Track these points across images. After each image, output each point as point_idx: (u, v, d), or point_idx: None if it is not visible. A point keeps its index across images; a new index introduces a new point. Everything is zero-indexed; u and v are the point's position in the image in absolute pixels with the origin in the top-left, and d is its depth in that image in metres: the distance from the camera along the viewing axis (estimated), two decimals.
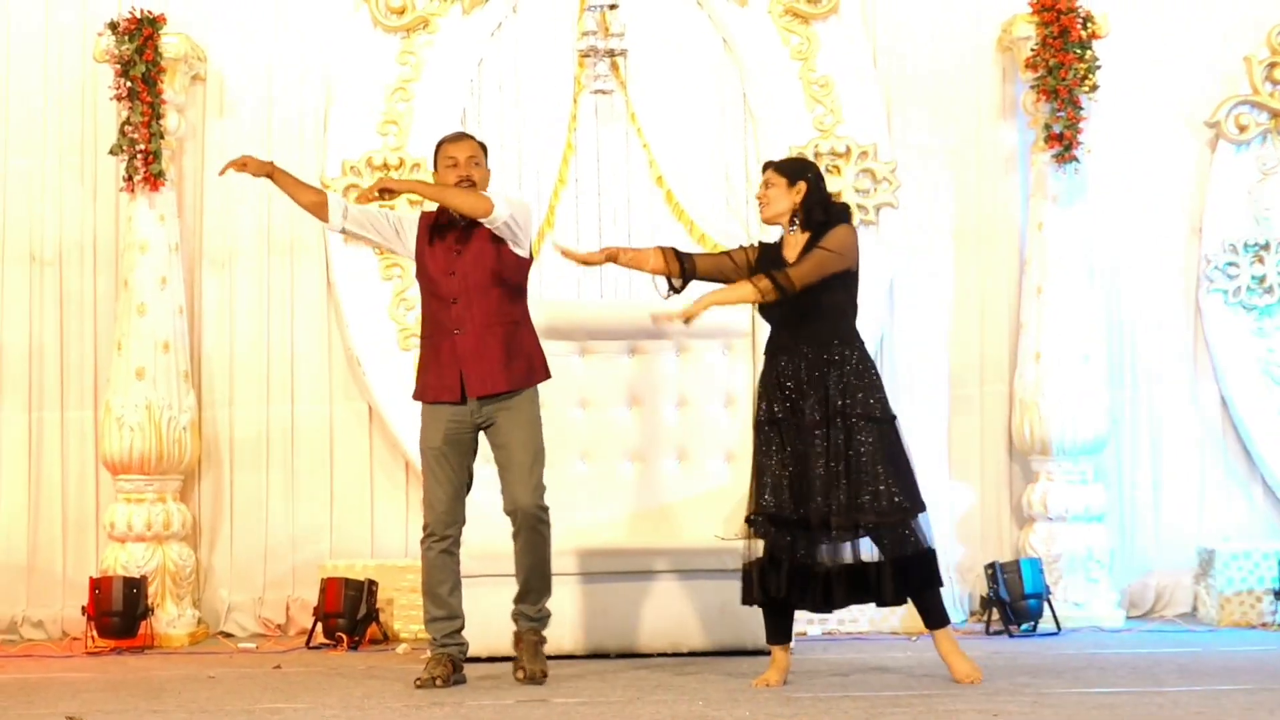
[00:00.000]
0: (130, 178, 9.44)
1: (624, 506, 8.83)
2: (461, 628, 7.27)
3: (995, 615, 9.01)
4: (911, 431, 9.60)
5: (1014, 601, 8.94)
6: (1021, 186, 9.84)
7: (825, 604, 6.94)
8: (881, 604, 7.05)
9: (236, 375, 9.87)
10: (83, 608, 9.06)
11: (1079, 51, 9.42)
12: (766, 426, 6.97)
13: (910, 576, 6.85)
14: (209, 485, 9.87)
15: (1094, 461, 9.55)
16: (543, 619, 7.25)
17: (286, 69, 9.97)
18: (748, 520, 7.01)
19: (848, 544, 6.85)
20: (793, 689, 6.78)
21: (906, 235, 9.85)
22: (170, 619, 9.33)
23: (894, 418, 7.00)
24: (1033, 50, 9.50)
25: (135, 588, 9.04)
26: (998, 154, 9.95)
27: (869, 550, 6.85)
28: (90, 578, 9.17)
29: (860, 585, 6.88)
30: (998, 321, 9.89)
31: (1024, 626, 8.94)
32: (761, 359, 7.24)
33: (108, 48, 9.46)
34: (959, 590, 9.57)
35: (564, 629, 7.75)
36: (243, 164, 7.39)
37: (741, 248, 7.36)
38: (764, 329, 8.88)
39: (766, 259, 7.09)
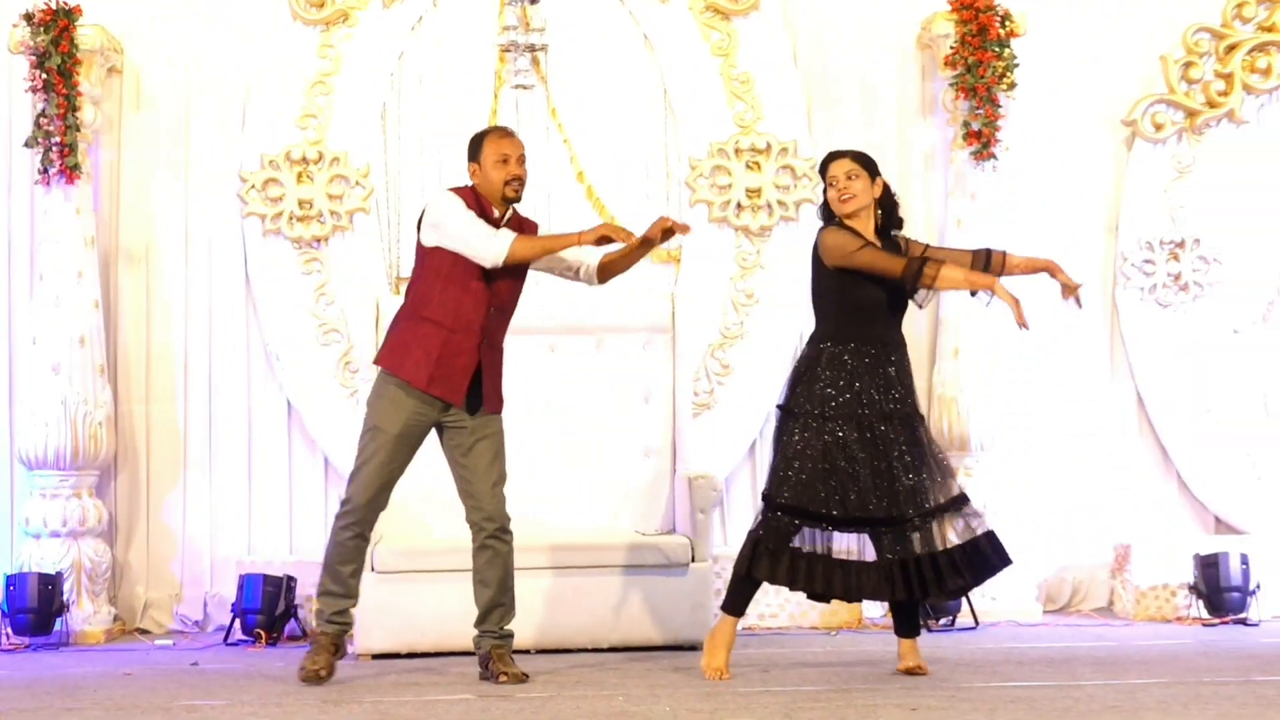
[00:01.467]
0: (45, 170, 9.34)
1: (544, 502, 8.80)
2: (353, 607, 7.22)
3: None
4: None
5: None
6: (941, 183, 9.89)
7: (920, 590, 6.93)
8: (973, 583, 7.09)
9: (153, 370, 9.79)
10: None
11: (997, 50, 9.48)
12: (823, 419, 6.89)
13: (996, 550, 6.96)
14: (125, 481, 9.79)
15: (1011, 457, 9.61)
16: (507, 636, 7.19)
17: (204, 62, 9.89)
18: (806, 512, 6.88)
19: (917, 534, 6.88)
20: (713, 685, 6.79)
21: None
22: (86, 616, 9.25)
23: (786, 408, 7.02)
24: (952, 48, 9.55)
25: (50, 584, 8.96)
26: (918, 151, 10.00)
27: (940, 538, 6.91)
28: (5, 574, 9.07)
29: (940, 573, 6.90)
30: (917, 318, 9.86)
31: (942, 621, 8.99)
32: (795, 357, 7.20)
33: (22, 39, 9.36)
34: None
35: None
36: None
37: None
38: (685, 325, 8.95)
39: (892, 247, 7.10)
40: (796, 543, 6.84)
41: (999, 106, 9.52)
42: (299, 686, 6.92)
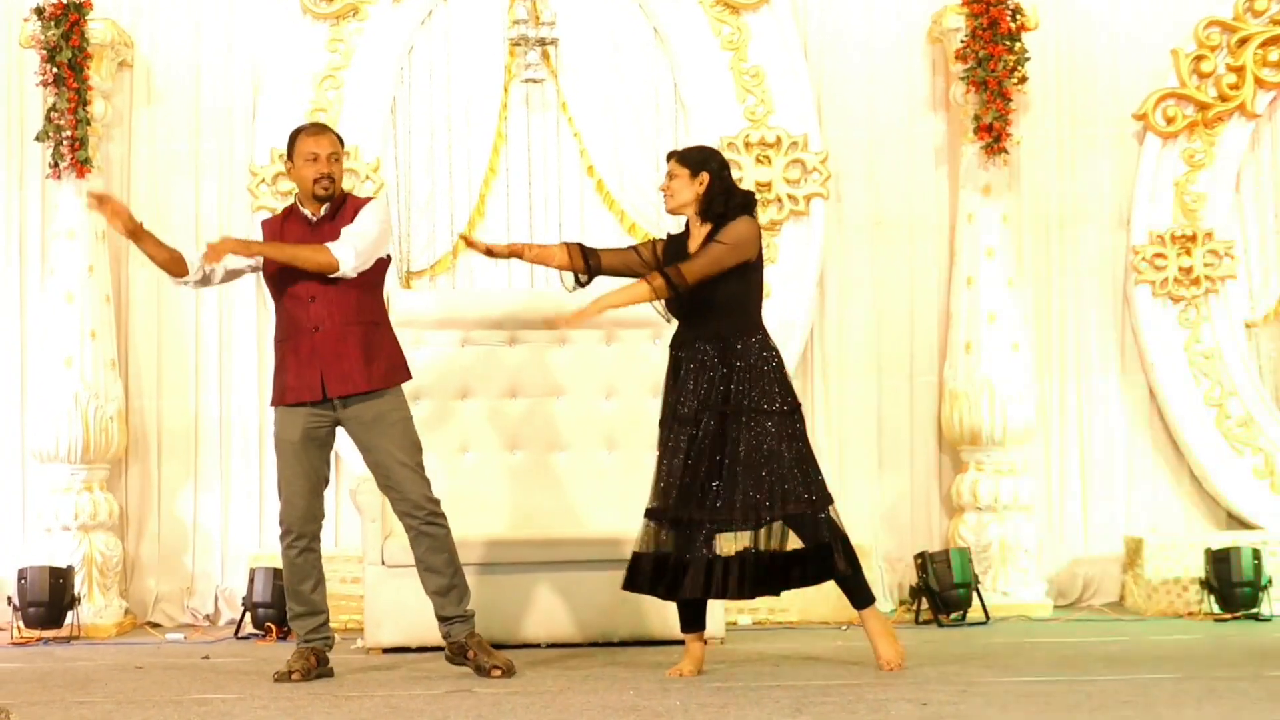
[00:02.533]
0: (56, 164, 9.36)
1: (555, 496, 8.79)
2: (326, 622, 7.19)
3: (924, 605, 9.05)
4: (841, 422, 9.71)
5: (943, 591, 8.98)
6: (951, 177, 9.88)
7: (739, 590, 6.91)
8: (798, 585, 7.01)
9: (165, 364, 9.81)
10: (8, 598, 8.98)
11: (1008, 44, 9.47)
12: (670, 422, 6.94)
13: (824, 563, 6.84)
14: (136, 475, 9.80)
15: (1022, 452, 9.61)
16: (471, 616, 7.17)
17: (215, 56, 9.91)
18: (647, 513, 6.94)
19: (750, 533, 6.82)
20: (723, 679, 6.78)
21: (837, 226, 9.88)
22: (97, 609, 9.26)
23: (795, 408, 6.94)
24: (962, 42, 9.53)
25: (62, 578, 8.97)
26: (928, 145, 9.99)
27: (777, 539, 6.85)
28: (16, 568, 9.08)
29: (774, 573, 6.89)
30: (927, 312, 9.93)
31: (953, 616, 8.98)
32: None
33: (34, 33, 9.37)
34: (888, 580, 9.62)
35: (494, 620, 7.71)
36: (108, 208, 7.08)
37: (649, 242, 7.32)
38: None
39: (672, 252, 7.04)
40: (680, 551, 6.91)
41: (1010, 100, 9.50)
42: (310, 681, 6.91)
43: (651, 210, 9.78)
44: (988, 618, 9.01)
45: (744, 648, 7.96)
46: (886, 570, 9.64)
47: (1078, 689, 6.31)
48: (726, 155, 9.52)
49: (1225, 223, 9.96)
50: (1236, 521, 9.87)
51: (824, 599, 9.04)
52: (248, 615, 8.95)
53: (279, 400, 7.12)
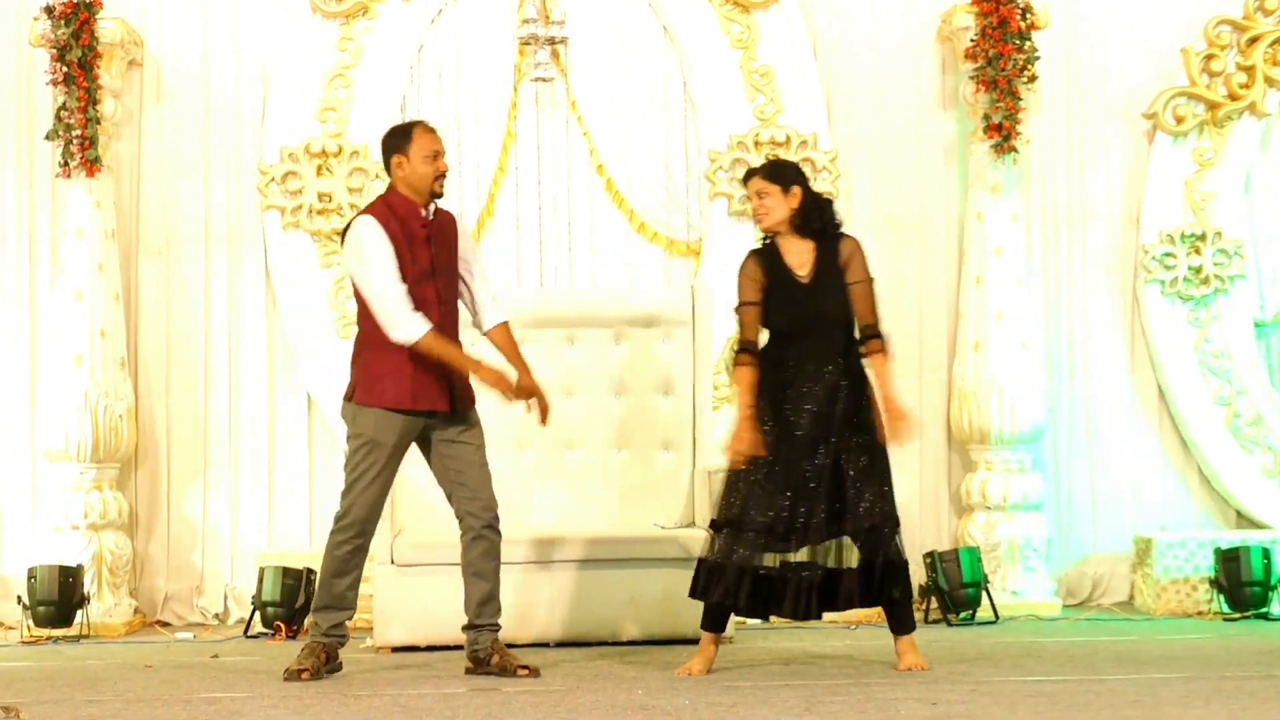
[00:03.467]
0: (66, 163, 9.37)
1: (562, 495, 8.80)
2: (349, 619, 7.19)
3: (934, 604, 9.04)
4: None
5: (952, 590, 8.98)
6: (960, 176, 9.88)
7: (805, 612, 6.94)
8: (862, 605, 7.07)
9: (174, 363, 9.81)
10: (18, 597, 8.98)
11: (1018, 42, 9.46)
12: (793, 437, 6.88)
13: (891, 581, 6.87)
14: (146, 474, 9.81)
15: (1032, 450, 9.61)
16: (499, 628, 7.18)
17: (224, 55, 9.91)
18: (723, 524, 6.93)
19: (832, 550, 6.90)
20: (733, 678, 6.79)
21: (846, 224, 9.79)
22: (107, 608, 9.27)
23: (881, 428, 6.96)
24: (972, 41, 9.53)
25: (71, 577, 8.98)
26: (937, 144, 9.98)
27: (851, 556, 6.90)
28: (26, 567, 9.09)
29: (837, 590, 6.92)
30: (936, 311, 9.92)
31: (962, 615, 8.98)
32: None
33: (43, 32, 9.38)
34: None
35: (504, 619, 7.71)
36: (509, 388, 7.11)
37: (751, 296, 7.06)
38: (706, 318, 8.94)
39: (774, 274, 6.99)
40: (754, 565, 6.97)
41: (1019, 99, 9.49)
42: (319, 680, 6.91)
43: (660, 209, 9.78)
44: (997, 617, 9.00)
45: (753, 647, 7.97)
46: None
47: (1087, 688, 6.32)
48: (736, 154, 9.63)
49: (1235, 222, 9.95)
50: (1246, 521, 9.87)
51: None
52: (257, 614, 8.95)
53: (400, 404, 6.98)
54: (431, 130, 7.14)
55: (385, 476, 7.05)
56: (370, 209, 7.08)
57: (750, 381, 6.90)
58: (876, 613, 8.95)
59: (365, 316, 7.08)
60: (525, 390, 7.10)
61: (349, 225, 7.09)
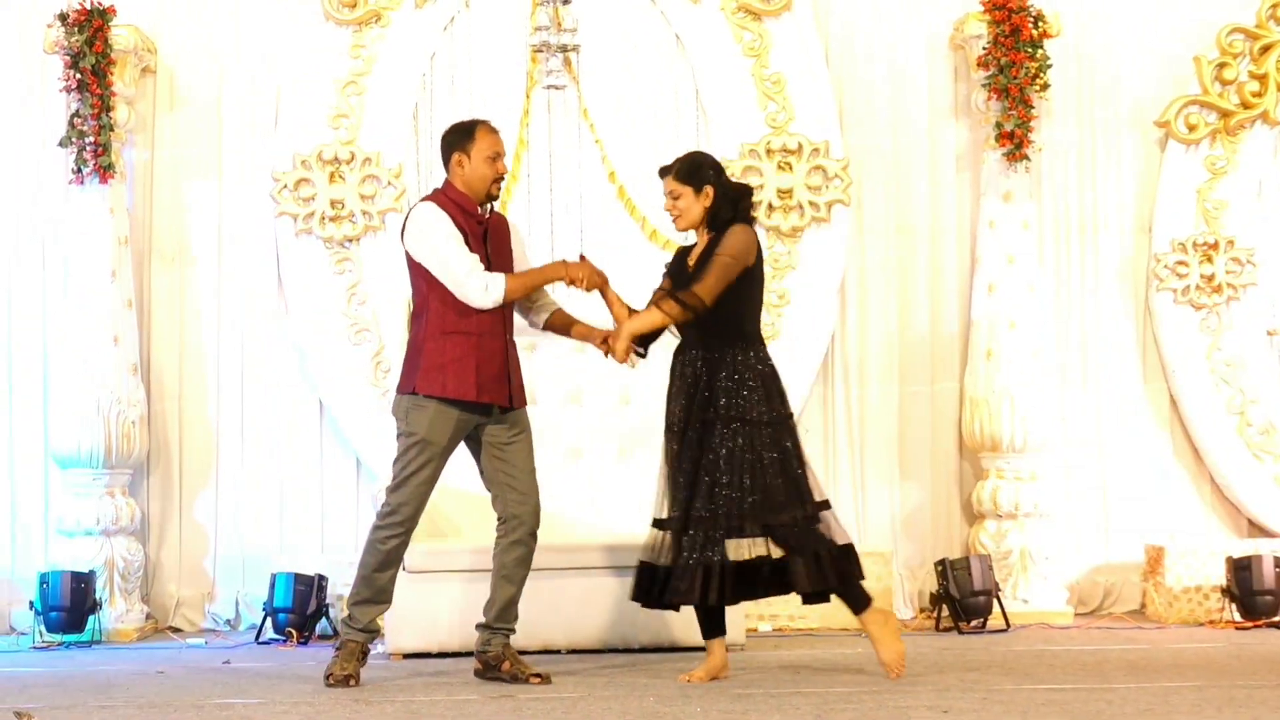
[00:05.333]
0: (79, 170, 9.38)
1: (570, 502, 8.80)
2: (385, 612, 7.23)
3: (945, 612, 9.04)
4: (861, 428, 9.70)
5: (963, 598, 8.97)
6: (973, 184, 9.88)
7: (742, 593, 6.93)
8: (783, 592, 6.99)
9: (186, 369, 9.82)
10: (30, 602, 9.00)
11: (1030, 50, 9.46)
12: (672, 429, 6.96)
13: (824, 573, 6.81)
14: (158, 479, 9.82)
15: (1043, 459, 9.60)
16: (513, 633, 7.21)
17: (237, 62, 9.92)
18: (656, 523, 6.98)
19: (747, 540, 6.84)
20: (744, 685, 6.78)
21: (858, 232, 9.88)
22: (119, 614, 9.28)
23: (786, 418, 6.93)
24: (984, 49, 9.53)
25: (83, 582, 8.99)
26: (949, 152, 9.98)
27: (772, 547, 6.85)
28: (38, 572, 9.10)
29: (772, 579, 6.90)
30: (948, 319, 9.93)
31: (973, 623, 8.97)
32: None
33: (57, 39, 9.40)
34: (909, 587, 9.62)
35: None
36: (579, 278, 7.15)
37: (665, 270, 7.23)
38: None
39: (676, 266, 7.08)
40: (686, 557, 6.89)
41: (1032, 107, 9.50)
42: (331, 686, 6.92)
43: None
44: (1008, 625, 9.00)
45: (764, 654, 7.96)
46: (907, 577, 9.64)
47: (1098, 697, 6.31)
48: (748, 162, 9.62)
49: (1247, 230, 9.95)
50: (1258, 529, 9.86)
51: (843, 606, 9.02)
52: (268, 620, 8.96)
53: (464, 394, 6.96)
54: (494, 131, 7.16)
55: (434, 474, 7.05)
56: (431, 198, 7.12)
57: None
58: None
59: (428, 306, 7.04)
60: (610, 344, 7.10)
61: (409, 214, 7.13)
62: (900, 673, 6.84)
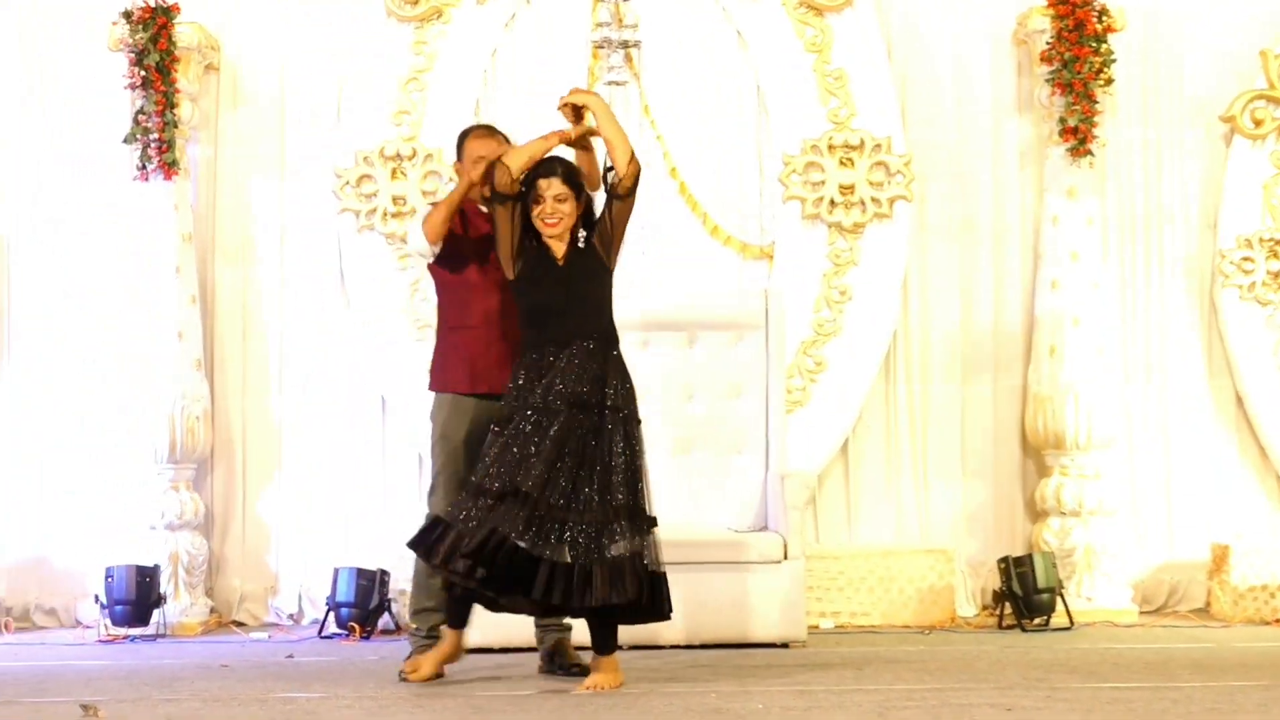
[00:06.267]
0: (144, 166, 9.45)
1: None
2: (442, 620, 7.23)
3: (1008, 609, 9.00)
4: (924, 425, 9.68)
5: (1027, 596, 8.93)
6: (1036, 180, 9.83)
7: (537, 602, 6.59)
8: (589, 609, 6.61)
9: (250, 365, 9.87)
10: (95, 596, 9.07)
11: (1094, 45, 9.41)
12: (526, 411, 6.67)
13: (655, 594, 6.67)
14: (222, 474, 9.87)
15: (1107, 456, 9.54)
16: (570, 626, 7.23)
17: (300, 59, 9.97)
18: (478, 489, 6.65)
19: (583, 540, 6.54)
20: (806, 681, 6.77)
21: (920, 228, 9.85)
22: (183, 608, 9.34)
23: (641, 421, 6.85)
24: (1048, 44, 9.48)
25: (148, 576, 9.05)
26: (1012, 147, 9.93)
27: (610, 549, 6.57)
28: (104, 566, 9.17)
29: (575, 586, 6.51)
30: (1011, 316, 9.88)
31: (1037, 621, 8.93)
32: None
33: (122, 36, 9.46)
34: (972, 584, 9.57)
35: (577, 622, 7.71)
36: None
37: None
38: (779, 322, 8.94)
39: (537, 252, 6.85)
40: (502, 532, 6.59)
41: (1096, 102, 9.44)
42: (393, 680, 6.94)
43: (733, 213, 9.78)
44: (1072, 623, 8.95)
45: (826, 651, 7.95)
46: (970, 575, 9.59)
47: (1163, 695, 6.27)
48: (810, 158, 9.61)
49: None
50: None
51: (905, 603, 9.04)
52: (331, 615, 9.00)
53: (456, 385, 7.11)
54: (482, 136, 7.24)
55: (459, 469, 7.05)
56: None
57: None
58: (950, 617, 8.98)
59: (439, 307, 7.26)
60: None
61: None
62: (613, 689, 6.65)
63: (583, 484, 6.59)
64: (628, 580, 6.55)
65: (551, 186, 6.80)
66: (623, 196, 6.83)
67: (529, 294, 6.82)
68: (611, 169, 6.84)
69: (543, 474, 6.54)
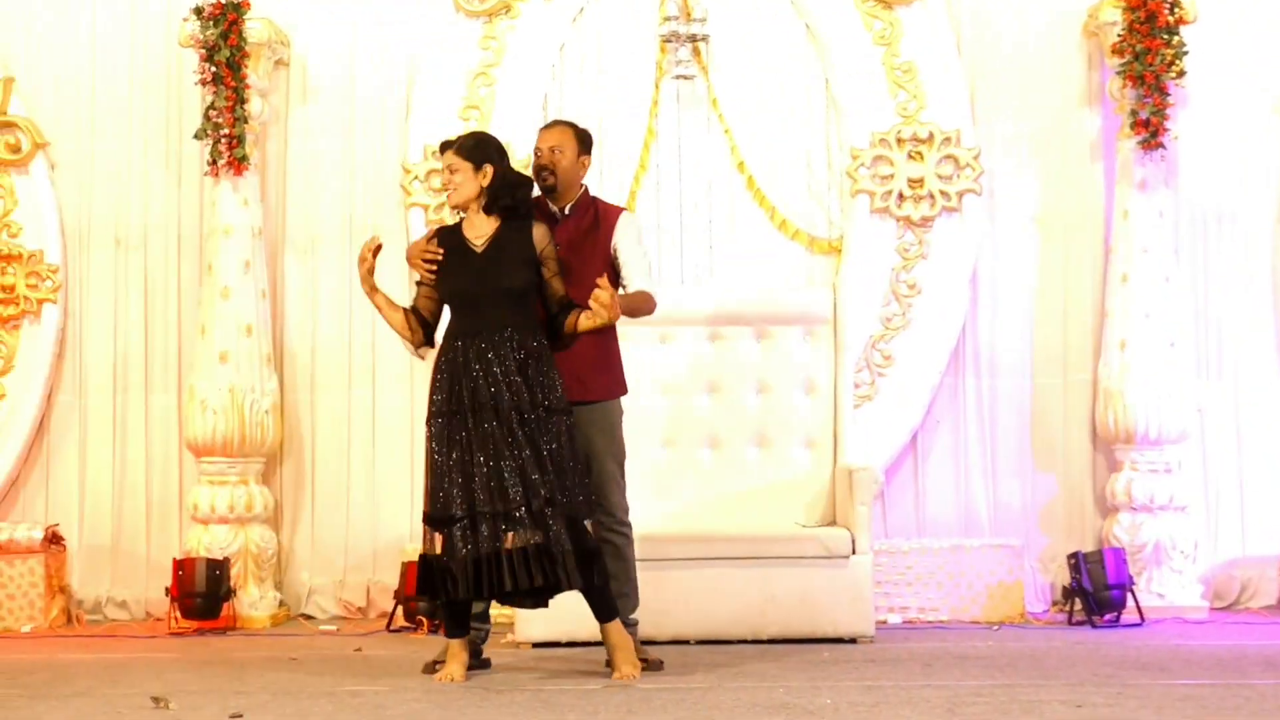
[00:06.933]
0: (214, 162, 9.50)
1: (704, 493, 8.82)
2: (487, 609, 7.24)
3: (1078, 605, 8.94)
4: (993, 420, 9.63)
5: (1097, 592, 8.87)
6: (1107, 173, 9.76)
7: (501, 592, 6.66)
8: (558, 590, 6.70)
9: (319, 359, 9.92)
10: (166, 589, 9.13)
11: (1166, 37, 9.33)
12: (445, 418, 6.75)
13: (591, 568, 6.67)
14: (291, 468, 9.93)
15: (1179, 451, 9.47)
16: (635, 624, 7.23)
17: (369, 54, 10.01)
18: (426, 519, 6.80)
19: (527, 531, 6.57)
20: (874, 678, 6.75)
21: (990, 222, 9.79)
22: (252, 601, 9.39)
23: (570, 409, 6.82)
24: (1119, 36, 9.41)
25: (218, 569, 9.11)
26: (1083, 140, 9.86)
27: (546, 538, 6.58)
28: (174, 559, 9.24)
29: (532, 572, 6.57)
30: (1081, 309, 9.81)
31: (1107, 617, 8.87)
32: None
33: (192, 33, 9.52)
34: (1041, 580, 9.52)
35: (644, 616, 7.71)
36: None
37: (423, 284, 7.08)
38: (847, 316, 8.92)
39: (451, 245, 6.90)
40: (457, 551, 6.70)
41: (1167, 95, 9.36)
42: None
43: (801, 206, 9.75)
44: (1142, 619, 8.89)
45: (894, 647, 7.92)
46: (1039, 570, 9.54)
47: (1235, 692, 6.22)
48: (878, 151, 9.57)
49: None
50: None
51: (974, 599, 9.00)
52: (399, 608, 9.02)
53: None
54: (543, 129, 7.42)
55: None
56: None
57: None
58: (1019, 613, 8.93)
59: None
60: None
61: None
62: (634, 679, 6.73)
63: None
64: (534, 567, 6.57)
65: (446, 157, 6.94)
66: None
67: (443, 282, 6.94)
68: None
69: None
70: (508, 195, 6.89)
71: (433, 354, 7.00)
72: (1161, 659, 7.39)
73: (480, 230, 6.89)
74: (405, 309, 7.08)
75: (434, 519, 6.75)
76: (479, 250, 6.85)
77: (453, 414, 6.73)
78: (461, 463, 6.67)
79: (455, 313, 6.92)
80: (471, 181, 6.86)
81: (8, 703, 6.34)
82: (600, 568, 6.74)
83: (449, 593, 6.66)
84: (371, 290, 7.04)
